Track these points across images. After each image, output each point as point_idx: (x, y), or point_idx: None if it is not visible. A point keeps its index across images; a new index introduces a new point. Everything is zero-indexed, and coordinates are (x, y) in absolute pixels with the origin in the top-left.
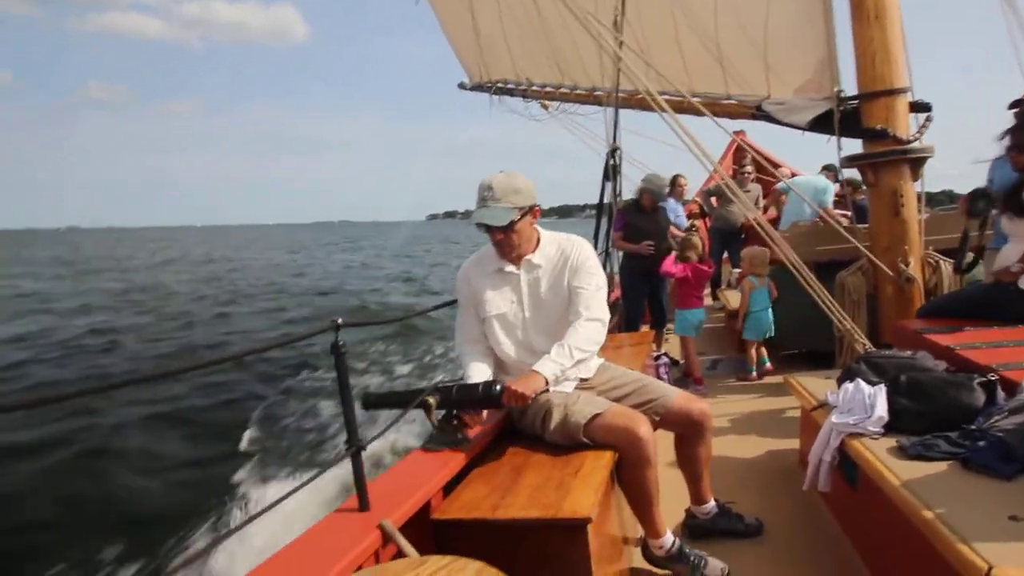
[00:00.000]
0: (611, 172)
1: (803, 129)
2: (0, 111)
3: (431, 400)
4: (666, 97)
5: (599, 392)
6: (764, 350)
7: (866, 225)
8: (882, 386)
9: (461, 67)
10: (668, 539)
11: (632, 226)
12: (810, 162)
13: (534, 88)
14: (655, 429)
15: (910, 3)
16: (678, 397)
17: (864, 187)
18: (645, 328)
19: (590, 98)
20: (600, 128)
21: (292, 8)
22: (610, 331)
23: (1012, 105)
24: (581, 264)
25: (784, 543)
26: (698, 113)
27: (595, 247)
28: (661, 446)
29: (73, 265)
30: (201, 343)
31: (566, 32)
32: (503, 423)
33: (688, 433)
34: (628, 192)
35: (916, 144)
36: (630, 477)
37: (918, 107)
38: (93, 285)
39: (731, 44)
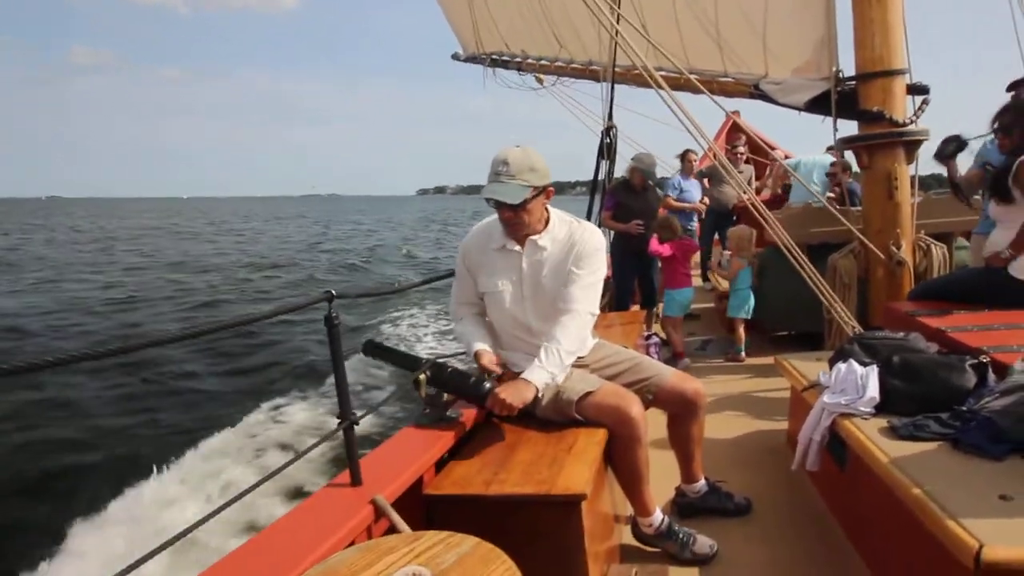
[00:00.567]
0: (606, 150)
1: (800, 109)
2: None
3: (422, 377)
4: (663, 73)
5: (593, 370)
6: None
7: (859, 208)
8: (874, 367)
9: (455, 38)
10: (657, 517)
11: (622, 205)
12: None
13: (529, 61)
14: (648, 408)
15: None
16: (672, 376)
17: (851, 169)
18: (635, 308)
19: (586, 73)
20: (594, 104)
21: None
22: (600, 310)
23: (1010, 87)
24: (586, 252)
25: (772, 522)
26: (695, 90)
27: None
28: (652, 424)
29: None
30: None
31: (563, 4)
32: None
33: (681, 412)
34: (620, 170)
35: (912, 127)
36: (621, 456)
37: (916, 89)
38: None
39: (730, 22)
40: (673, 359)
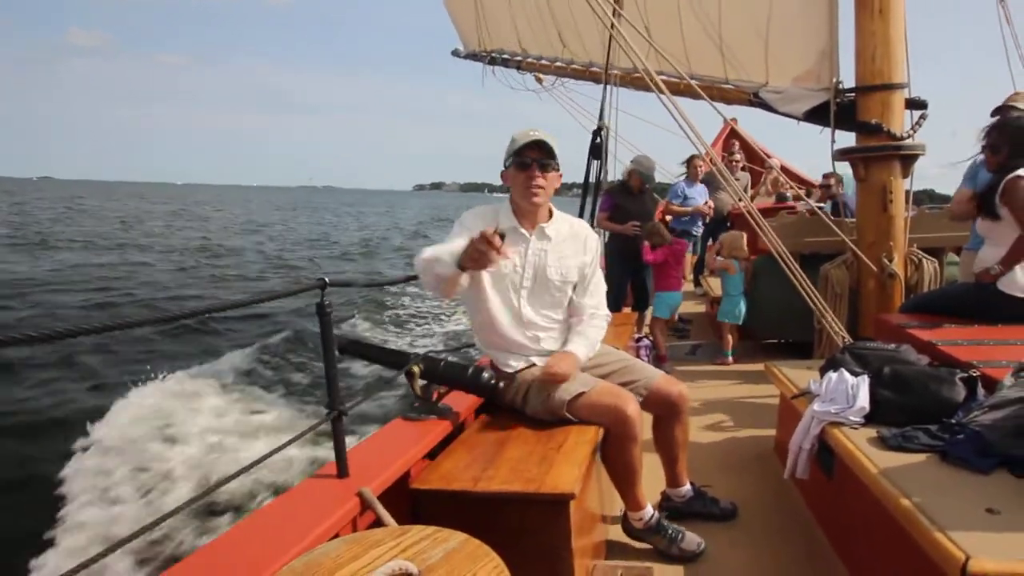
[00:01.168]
0: (597, 150)
1: (799, 119)
2: None
3: (416, 368)
4: (663, 78)
5: (584, 368)
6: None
7: (852, 219)
8: (865, 377)
9: (456, 34)
10: (648, 511)
11: (619, 207)
12: (798, 154)
13: (530, 60)
14: None
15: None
16: (660, 379)
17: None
18: (627, 310)
19: (586, 74)
20: (593, 106)
21: None
22: None
23: (995, 112)
24: (595, 254)
25: (757, 528)
26: (695, 96)
27: None
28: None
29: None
30: None
31: (566, 4)
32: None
33: (666, 415)
34: (614, 173)
35: (909, 141)
36: (616, 453)
37: (914, 104)
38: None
39: (733, 29)
40: (656, 361)
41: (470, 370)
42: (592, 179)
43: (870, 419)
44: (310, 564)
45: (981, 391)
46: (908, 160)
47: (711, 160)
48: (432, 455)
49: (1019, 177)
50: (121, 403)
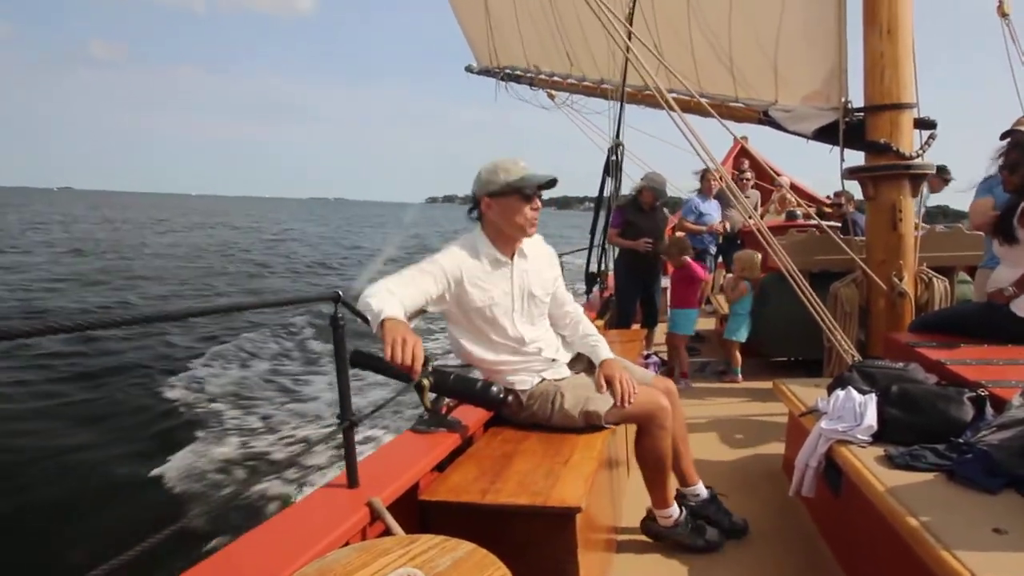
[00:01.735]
0: (612, 168)
1: (808, 138)
2: None
3: (426, 382)
4: (674, 95)
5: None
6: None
7: (862, 238)
8: (873, 395)
9: (470, 50)
10: (675, 508)
11: (631, 223)
12: (808, 171)
13: (542, 76)
14: None
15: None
16: (653, 379)
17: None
18: (636, 327)
19: (597, 91)
20: (604, 122)
21: None
22: (603, 327)
23: (1003, 136)
24: (557, 262)
25: (764, 545)
26: (705, 113)
27: (592, 241)
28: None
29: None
30: None
31: (578, 22)
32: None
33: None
34: (626, 188)
35: (918, 160)
36: (650, 447)
37: (923, 124)
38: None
39: (742, 48)
40: (678, 378)
41: (479, 384)
42: (607, 195)
43: (878, 437)
44: (322, 570)
45: (989, 411)
46: (917, 179)
47: (721, 177)
48: (441, 467)
49: None
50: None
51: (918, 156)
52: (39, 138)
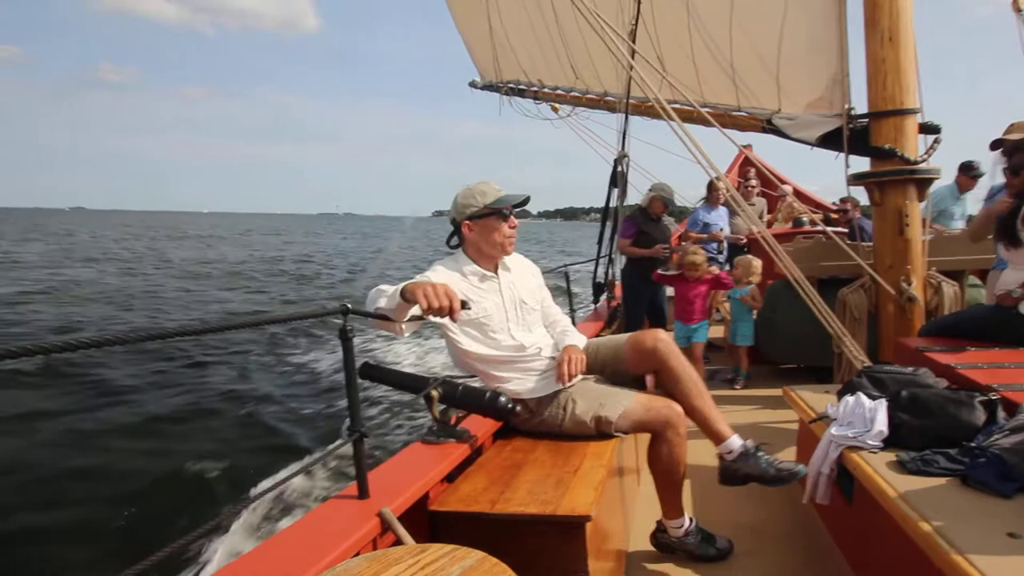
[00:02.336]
0: (618, 179)
1: (812, 145)
2: (8, 86)
3: (435, 393)
4: (676, 107)
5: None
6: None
7: (870, 244)
8: (883, 400)
9: (474, 65)
10: (686, 519)
11: (643, 233)
12: (814, 177)
13: (545, 90)
14: None
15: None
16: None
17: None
18: None
19: (601, 103)
20: (607, 133)
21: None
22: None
23: (993, 145)
24: (539, 273)
25: (776, 553)
26: (707, 124)
27: (599, 251)
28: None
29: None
30: None
31: (581, 36)
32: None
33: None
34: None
35: (923, 165)
36: (665, 457)
37: (927, 128)
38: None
39: (744, 60)
40: None
41: (487, 395)
42: (612, 205)
43: (889, 443)
44: None
45: (1002, 415)
46: (923, 184)
47: (726, 188)
48: (450, 478)
49: None
50: None
51: (923, 161)
52: (47, 160)
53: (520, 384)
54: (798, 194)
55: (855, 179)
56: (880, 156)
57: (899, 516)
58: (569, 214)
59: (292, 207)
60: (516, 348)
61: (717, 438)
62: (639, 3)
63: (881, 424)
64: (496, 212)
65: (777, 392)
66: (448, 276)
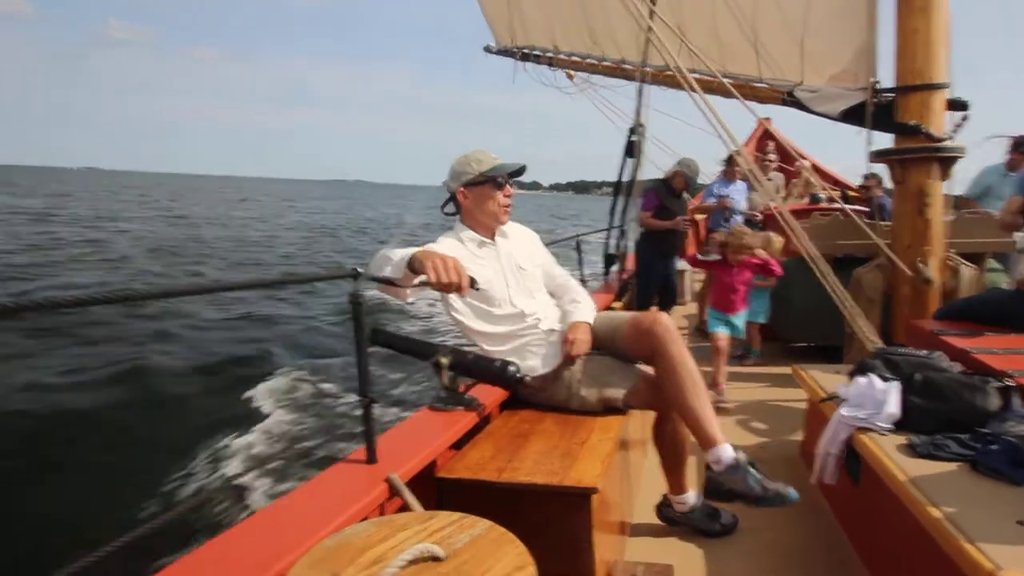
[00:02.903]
0: (634, 149)
1: (834, 119)
2: (20, 44)
3: (444, 360)
4: (696, 76)
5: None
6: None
7: (888, 223)
8: (896, 383)
9: (489, 29)
10: (691, 495)
11: (665, 207)
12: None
13: (561, 56)
14: None
15: None
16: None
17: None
18: (654, 310)
19: (618, 71)
20: (625, 104)
21: None
22: (621, 308)
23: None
24: (538, 240)
25: (780, 532)
26: (728, 94)
27: (611, 222)
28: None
29: None
30: None
31: (598, 1)
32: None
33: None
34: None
35: (948, 143)
36: (671, 434)
37: (955, 105)
38: None
39: (768, 25)
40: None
41: (496, 363)
42: (627, 178)
43: (899, 426)
44: (340, 544)
45: (1016, 401)
46: (947, 163)
47: (745, 162)
48: (458, 445)
49: None
50: None
51: (949, 138)
52: (58, 118)
53: (521, 361)
54: (817, 170)
55: (877, 156)
56: (905, 133)
57: (908, 500)
58: (581, 187)
59: (298, 173)
60: (517, 317)
61: (707, 443)
62: None
63: (893, 406)
64: (491, 180)
65: (786, 370)
66: (449, 246)
